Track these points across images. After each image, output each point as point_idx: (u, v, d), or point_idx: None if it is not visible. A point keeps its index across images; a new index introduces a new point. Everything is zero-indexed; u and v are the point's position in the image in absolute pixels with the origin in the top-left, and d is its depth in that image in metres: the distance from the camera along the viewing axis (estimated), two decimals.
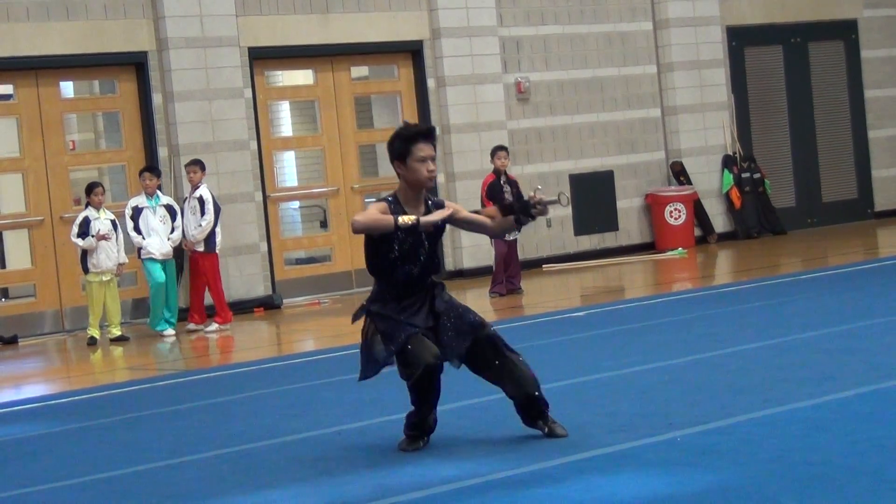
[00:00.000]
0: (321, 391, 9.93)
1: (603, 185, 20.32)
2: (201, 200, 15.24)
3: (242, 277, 17.23)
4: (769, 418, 7.12)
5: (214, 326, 15.37)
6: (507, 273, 16.12)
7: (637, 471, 6.25)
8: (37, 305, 16.65)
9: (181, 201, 15.72)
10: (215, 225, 15.32)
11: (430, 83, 18.98)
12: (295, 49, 18.08)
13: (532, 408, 7.10)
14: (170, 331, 15.12)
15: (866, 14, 22.85)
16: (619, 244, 20.39)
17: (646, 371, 9.18)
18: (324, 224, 20.14)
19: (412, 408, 7.16)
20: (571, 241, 20.04)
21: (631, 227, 20.57)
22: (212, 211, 15.23)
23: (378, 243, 7.11)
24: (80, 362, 14.12)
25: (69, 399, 10.93)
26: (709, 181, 21.12)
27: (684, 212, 20.33)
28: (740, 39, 21.74)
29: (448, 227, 7.34)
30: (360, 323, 7.25)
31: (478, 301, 15.44)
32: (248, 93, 17.54)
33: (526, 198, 7.13)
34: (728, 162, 21.20)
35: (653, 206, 20.48)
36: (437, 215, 7.12)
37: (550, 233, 19.45)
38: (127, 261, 15.34)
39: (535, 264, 19.26)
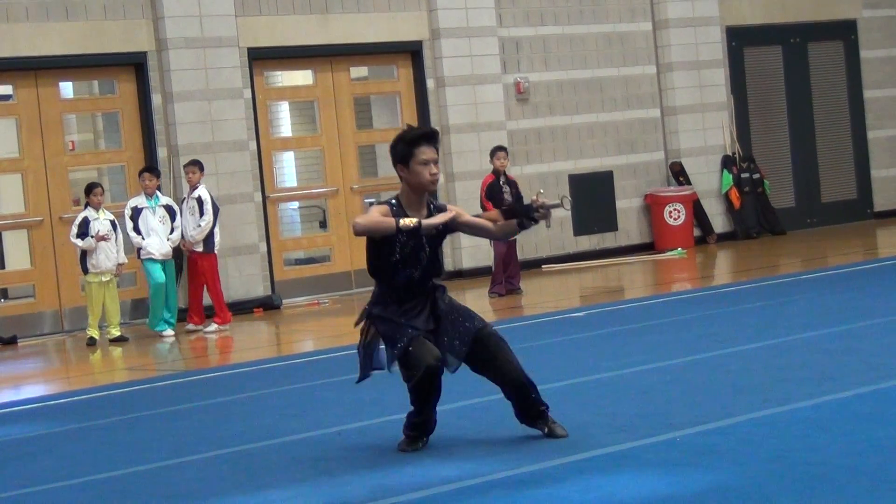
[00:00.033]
0: (321, 391, 9.93)
1: (602, 185, 20.31)
2: (200, 201, 15.24)
3: (242, 278, 17.23)
4: (769, 418, 7.13)
5: (214, 327, 15.36)
6: (507, 273, 16.12)
7: (637, 471, 6.25)
8: (36, 306, 16.64)
9: (180, 202, 15.72)
10: (214, 225, 15.31)
11: (430, 83, 18.97)
12: (294, 49, 18.08)
13: (531, 409, 7.11)
14: (169, 331, 15.11)
15: (866, 14, 22.85)
16: (619, 244, 20.38)
17: (646, 371, 9.18)
18: (323, 224, 20.11)
19: (412, 408, 7.17)
20: (571, 241, 20.03)
21: (630, 228, 20.56)
22: (210, 211, 15.22)
23: (379, 246, 7.10)
24: (79, 363, 14.12)
25: (69, 399, 10.92)
26: (708, 181, 21.11)
27: (684, 212, 20.33)
28: (740, 40, 21.73)
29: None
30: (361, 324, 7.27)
31: (477, 301, 15.43)
32: (248, 93, 17.53)
33: (528, 201, 7.13)
34: (727, 162, 21.19)
35: (652, 207, 20.47)
36: (438, 219, 7.11)
37: (550, 233, 19.44)
38: (126, 261, 15.33)
39: (534, 264, 19.25)
